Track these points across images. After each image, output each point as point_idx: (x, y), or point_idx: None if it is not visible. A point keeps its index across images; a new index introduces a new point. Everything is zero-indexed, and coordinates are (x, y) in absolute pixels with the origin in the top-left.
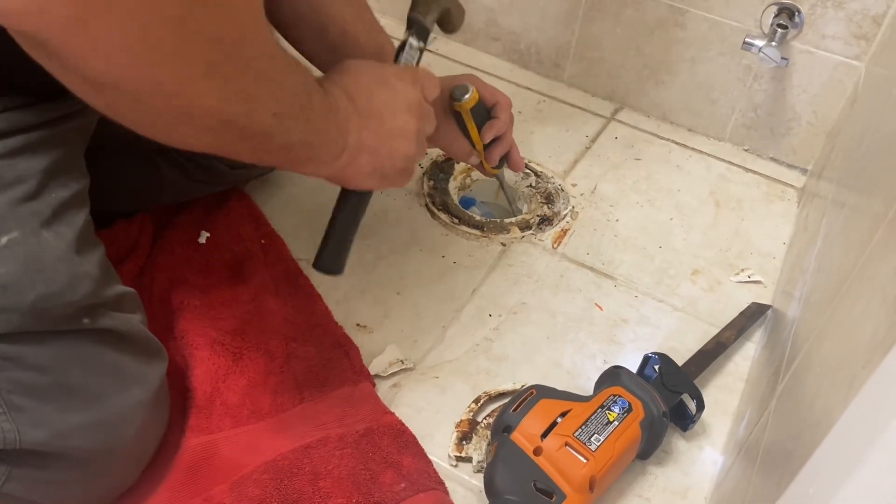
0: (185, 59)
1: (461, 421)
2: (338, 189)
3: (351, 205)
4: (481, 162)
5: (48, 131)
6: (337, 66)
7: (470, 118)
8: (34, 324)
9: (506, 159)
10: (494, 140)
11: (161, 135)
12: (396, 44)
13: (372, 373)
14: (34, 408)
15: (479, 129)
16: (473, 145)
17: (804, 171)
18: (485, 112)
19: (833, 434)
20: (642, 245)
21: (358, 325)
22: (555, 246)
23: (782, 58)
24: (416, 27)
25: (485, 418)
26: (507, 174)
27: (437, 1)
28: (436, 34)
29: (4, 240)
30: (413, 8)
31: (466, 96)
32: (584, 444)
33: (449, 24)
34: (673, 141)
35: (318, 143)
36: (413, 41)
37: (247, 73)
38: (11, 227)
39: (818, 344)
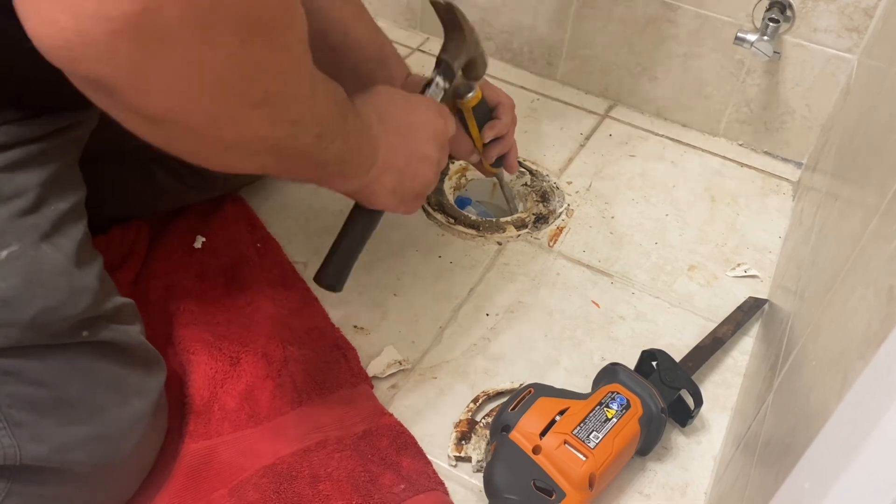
0: (241, 92)
1: (460, 421)
2: (334, 195)
3: (362, 224)
4: (480, 160)
5: (46, 144)
6: (369, 89)
7: (472, 116)
8: (34, 338)
9: (503, 160)
10: (495, 140)
11: (208, 161)
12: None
13: (370, 374)
14: (34, 422)
15: (481, 128)
16: (474, 143)
17: (799, 164)
18: (487, 111)
19: (828, 427)
20: (638, 241)
21: (355, 326)
22: (551, 244)
23: (774, 52)
24: (444, 67)
25: (483, 418)
26: (504, 173)
27: (466, 49)
28: (429, 34)
29: (4, 254)
30: (444, 50)
31: (470, 94)
32: (583, 441)
33: (473, 71)
34: (667, 137)
35: (352, 160)
36: (440, 80)
37: (294, 99)
38: (11, 241)
39: (814, 337)
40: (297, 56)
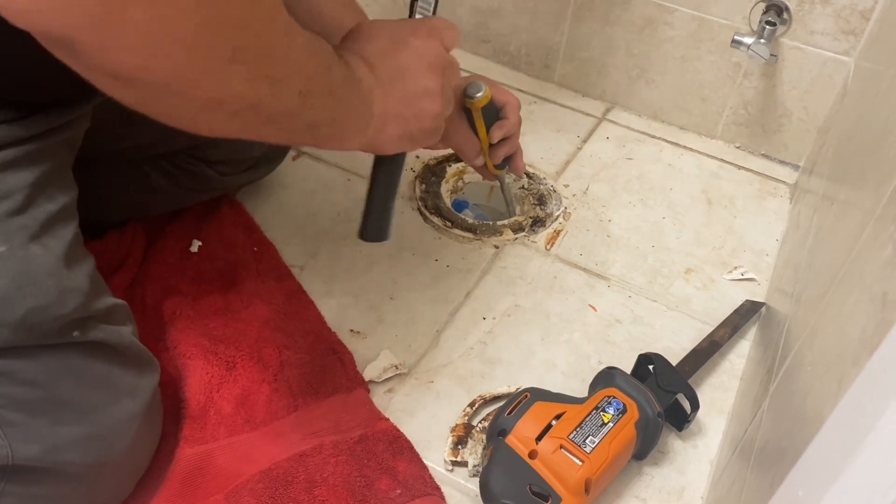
0: (209, 47)
1: (456, 425)
2: (335, 190)
3: (385, 172)
4: (485, 163)
5: (35, 145)
6: (351, 33)
7: (480, 117)
8: (24, 338)
9: (509, 161)
10: (501, 140)
11: (189, 124)
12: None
13: (366, 379)
14: (26, 423)
15: (489, 128)
16: (481, 144)
17: (796, 167)
18: (495, 112)
19: (823, 433)
20: (635, 245)
21: (351, 330)
22: (548, 247)
23: (771, 55)
24: None
25: (480, 422)
26: (505, 176)
27: None
28: None
29: None
30: None
31: (479, 94)
32: (579, 446)
33: None
34: (664, 139)
35: (344, 118)
36: None
37: (271, 55)
38: None
39: (810, 341)
40: (267, 8)
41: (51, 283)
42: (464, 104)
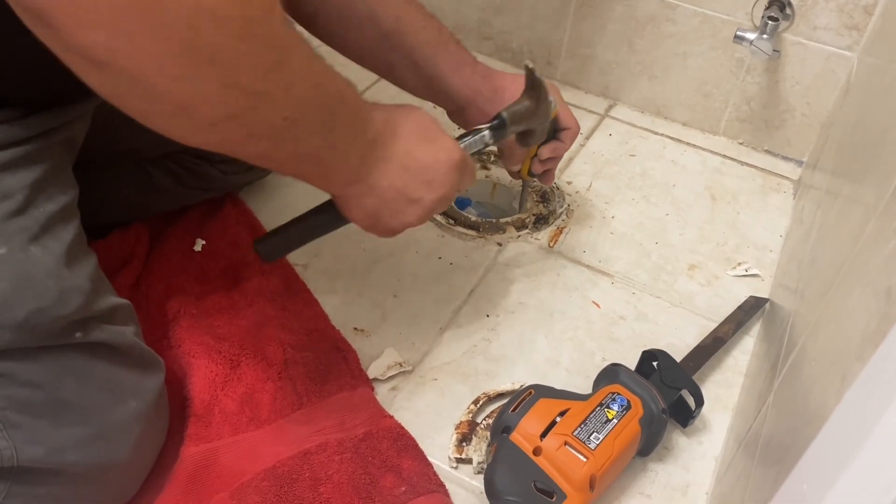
0: (187, 41)
1: (460, 422)
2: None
3: (327, 220)
4: (521, 169)
5: (34, 145)
6: (402, 105)
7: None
8: (26, 340)
9: (544, 175)
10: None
11: (165, 128)
12: None
13: (370, 376)
14: (30, 424)
15: (541, 144)
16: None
17: (800, 162)
18: (553, 131)
19: (827, 429)
20: (638, 241)
21: (355, 328)
22: (551, 245)
23: (774, 50)
24: (498, 124)
25: (484, 419)
26: (503, 174)
27: (531, 119)
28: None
29: None
30: (508, 107)
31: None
32: (584, 442)
33: (525, 139)
34: (667, 136)
35: (333, 166)
36: (487, 135)
37: (251, 64)
38: None
39: (814, 337)
40: (254, 13)
41: (51, 284)
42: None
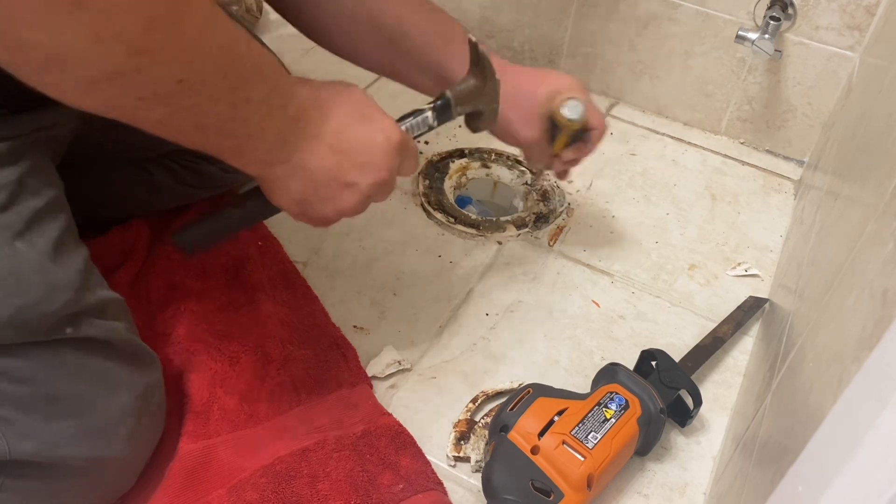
0: None
1: (459, 421)
2: None
3: (253, 208)
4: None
5: (18, 142)
6: (334, 83)
7: (566, 136)
8: (15, 336)
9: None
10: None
11: (37, 81)
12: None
13: (369, 374)
14: (21, 419)
15: (566, 144)
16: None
17: (801, 162)
18: (580, 134)
19: (822, 430)
20: (639, 241)
21: (355, 326)
22: (551, 243)
23: (776, 50)
24: (442, 105)
25: (483, 418)
26: (504, 172)
27: (478, 99)
28: None
29: None
30: (452, 87)
31: (576, 118)
32: (582, 442)
33: (474, 122)
34: (668, 135)
35: (247, 141)
36: (430, 117)
37: (135, 15)
38: None
39: (812, 338)
40: None
41: (37, 279)
42: (555, 115)
